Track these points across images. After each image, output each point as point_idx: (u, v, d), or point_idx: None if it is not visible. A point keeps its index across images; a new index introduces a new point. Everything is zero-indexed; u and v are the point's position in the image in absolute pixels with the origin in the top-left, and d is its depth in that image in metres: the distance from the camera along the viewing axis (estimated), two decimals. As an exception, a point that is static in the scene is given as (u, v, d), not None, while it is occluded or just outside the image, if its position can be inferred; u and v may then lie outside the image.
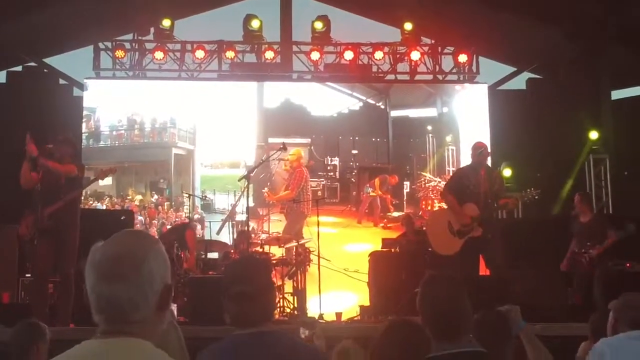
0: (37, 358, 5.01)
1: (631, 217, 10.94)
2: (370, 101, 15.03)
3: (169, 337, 3.46)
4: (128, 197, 14.17)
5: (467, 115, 14.69)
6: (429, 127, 14.85)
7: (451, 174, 13.00)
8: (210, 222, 13.59)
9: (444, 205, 10.30)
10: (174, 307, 9.30)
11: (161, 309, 2.17)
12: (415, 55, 14.65)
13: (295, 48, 15.07)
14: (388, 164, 14.63)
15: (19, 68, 15.16)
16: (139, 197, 14.21)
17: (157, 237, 13.08)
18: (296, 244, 11.33)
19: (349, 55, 14.55)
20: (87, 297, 2.19)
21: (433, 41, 15.15)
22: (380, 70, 15.00)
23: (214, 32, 14.98)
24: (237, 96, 14.53)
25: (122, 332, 2.11)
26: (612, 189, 14.46)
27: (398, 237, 12.28)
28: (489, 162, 10.88)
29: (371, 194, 14.38)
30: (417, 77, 15.14)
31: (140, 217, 13.89)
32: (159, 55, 14.30)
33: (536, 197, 9.46)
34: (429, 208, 14.06)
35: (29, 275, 10.46)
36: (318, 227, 11.11)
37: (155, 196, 14.32)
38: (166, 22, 14.35)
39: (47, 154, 8.50)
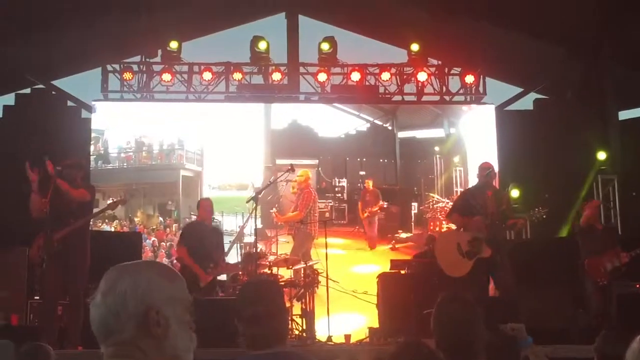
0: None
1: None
2: (378, 122, 15.04)
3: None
4: (136, 219, 14.18)
5: (474, 136, 14.68)
6: (437, 148, 14.84)
7: (460, 193, 12.99)
8: (218, 244, 13.58)
9: (452, 226, 10.29)
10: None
11: (144, 330, 2.15)
12: (422, 76, 14.67)
13: (302, 69, 15.10)
14: (396, 185, 14.62)
15: (27, 90, 15.21)
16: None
17: (166, 259, 13.12)
18: (304, 265, 11.30)
19: (356, 76, 14.58)
20: None
21: (440, 62, 15.16)
22: (387, 91, 15.03)
23: (221, 53, 15.08)
24: (244, 118, 14.56)
25: (120, 356, 2.14)
26: (621, 209, 14.42)
27: (414, 256, 12.29)
28: (496, 182, 10.88)
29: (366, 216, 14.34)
30: (424, 98, 15.15)
31: (148, 241, 13.89)
32: (166, 77, 14.35)
33: (544, 217, 9.46)
34: (437, 229, 14.02)
35: (38, 297, 10.46)
36: (326, 248, 11.10)
37: (160, 218, 14.32)
38: (173, 44, 14.41)
39: (58, 175, 8.53)
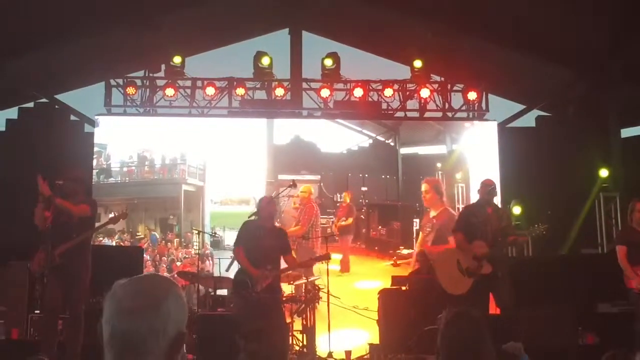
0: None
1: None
2: (380, 138, 15.06)
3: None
4: (138, 234, 14.18)
5: (476, 153, 14.68)
6: (439, 165, 14.84)
7: (460, 211, 12.99)
8: (219, 258, 13.57)
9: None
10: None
11: (171, 356, 2.15)
12: (424, 92, 14.70)
13: (305, 85, 15.13)
14: (398, 201, 14.62)
15: (30, 104, 15.27)
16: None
17: (167, 274, 13.11)
18: (305, 281, 11.29)
19: (358, 92, 14.60)
20: (100, 332, 2.17)
21: (442, 79, 15.19)
22: (389, 108, 15.04)
23: (225, 69, 15.13)
24: (247, 133, 14.57)
25: None
26: (623, 227, 14.40)
27: (411, 273, 12.25)
28: (497, 200, 10.87)
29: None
30: (427, 114, 15.17)
31: (147, 256, 13.89)
32: (169, 92, 14.38)
33: (544, 233, 9.43)
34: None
35: (38, 311, 10.45)
36: (328, 264, 11.08)
37: (155, 234, 14.32)
38: (177, 59, 14.46)
39: (59, 192, 8.53)
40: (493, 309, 9.69)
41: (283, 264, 9.54)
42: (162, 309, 2.12)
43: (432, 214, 10.37)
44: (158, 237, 14.29)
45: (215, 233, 14.13)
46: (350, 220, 14.28)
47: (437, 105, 15.08)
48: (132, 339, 2.08)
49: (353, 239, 14.35)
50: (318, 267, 11.86)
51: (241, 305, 8.93)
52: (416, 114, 15.20)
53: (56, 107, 15.40)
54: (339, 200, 14.46)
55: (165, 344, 2.12)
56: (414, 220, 14.41)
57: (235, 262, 9.84)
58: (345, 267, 13.91)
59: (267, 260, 9.17)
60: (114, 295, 2.16)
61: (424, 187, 10.41)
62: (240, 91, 14.52)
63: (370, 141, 15.04)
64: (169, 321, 2.13)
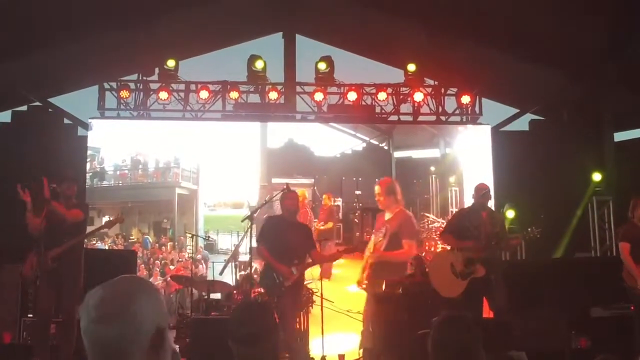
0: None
1: None
2: (374, 142, 15.07)
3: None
4: (131, 237, 14.16)
5: (470, 157, 14.70)
6: (432, 168, 14.87)
7: (454, 214, 12.99)
8: (213, 262, 13.59)
9: (447, 247, 10.30)
10: (176, 347, 9.25)
11: (154, 354, 2.15)
12: (418, 96, 14.71)
13: (299, 88, 15.14)
14: (391, 204, 14.60)
15: (24, 107, 15.23)
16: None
17: (160, 277, 13.09)
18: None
19: (352, 96, 14.62)
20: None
21: (436, 82, 15.22)
22: (383, 111, 15.05)
23: (218, 72, 15.11)
24: (240, 136, 14.57)
25: None
26: (626, 224, 14.42)
27: (405, 277, 12.24)
28: (491, 203, 10.88)
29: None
30: (420, 118, 15.19)
31: (140, 258, 13.86)
32: (163, 95, 14.37)
33: (538, 236, 9.44)
34: (433, 249, 14.01)
35: (31, 315, 10.42)
36: (321, 267, 11.07)
37: (148, 238, 14.29)
38: (171, 63, 14.45)
39: (53, 195, 8.52)
40: (487, 313, 9.70)
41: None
42: (130, 312, 2.11)
43: (387, 216, 10.16)
44: (151, 240, 14.26)
45: (208, 237, 14.13)
46: (330, 224, 14.23)
47: (430, 109, 15.10)
48: (109, 346, 2.09)
49: (347, 243, 14.26)
50: (310, 272, 11.85)
51: (274, 302, 8.86)
52: (410, 118, 15.22)
53: (50, 110, 15.35)
54: (333, 204, 14.46)
55: (145, 344, 2.11)
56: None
57: (229, 265, 9.82)
58: (326, 274, 13.78)
59: (293, 255, 9.09)
60: (86, 305, 2.16)
61: (375, 189, 10.24)
62: (234, 95, 14.52)
63: (364, 145, 15.05)
64: (143, 321, 2.12)
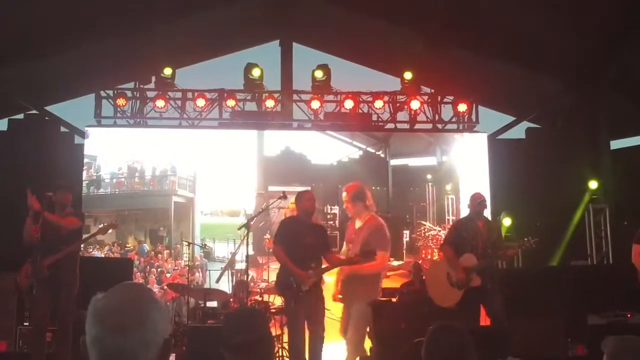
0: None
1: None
2: (370, 150, 15.06)
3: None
4: (127, 246, 14.14)
5: (466, 165, 14.70)
6: (429, 176, 14.87)
7: (451, 222, 12.99)
8: (209, 270, 13.56)
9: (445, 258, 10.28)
10: (172, 357, 9.24)
11: None
12: (415, 104, 14.71)
13: (295, 97, 15.15)
14: (388, 212, 14.59)
15: (20, 116, 15.23)
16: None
17: (156, 285, 13.06)
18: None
19: (349, 104, 14.62)
20: (83, 349, 2.14)
21: (433, 90, 15.22)
22: (380, 119, 15.06)
23: (215, 80, 15.12)
24: (237, 144, 14.56)
25: None
26: (612, 239, 14.45)
27: (402, 285, 12.24)
28: (488, 211, 10.88)
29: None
30: (417, 126, 15.20)
31: (137, 264, 13.84)
32: (160, 103, 14.37)
33: (534, 246, 9.44)
34: (429, 257, 14.00)
35: (27, 324, 10.40)
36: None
37: (145, 245, 14.27)
38: (167, 71, 14.45)
39: (48, 204, 8.51)
40: (484, 320, 9.70)
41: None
42: (150, 321, 2.10)
43: (357, 224, 9.90)
44: (148, 248, 14.25)
45: (205, 245, 14.11)
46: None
47: (427, 117, 15.10)
48: (124, 355, 2.06)
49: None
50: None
51: (290, 306, 8.83)
52: (406, 126, 15.22)
53: (46, 118, 15.36)
54: (329, 212, 14.44)
55: (154, 354, 2.11)
56: (404, 231, 14.42)
57: (226, 273, 9.78)
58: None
59: (310, 259, 8.82)
60: (96, 313, 2.11)
61: (343, 196, 9.95)
62: (230, 103, 14.53)
63: (361, 153, 15.05)
64: (157, 331, 2.11)
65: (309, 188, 14.10)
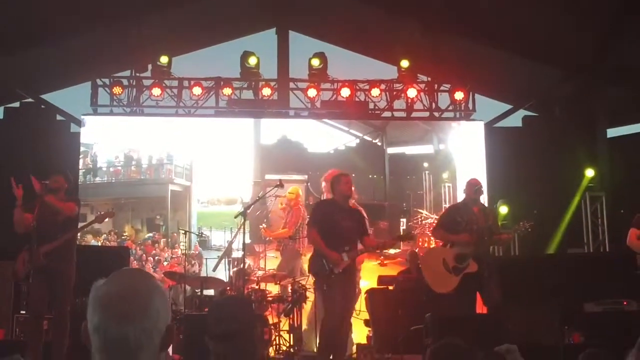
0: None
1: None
2: (367, 138, 15.05)
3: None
4: (124, 234, 14.13)
5: (463, 153, 14.70)
6: (426, 164, 14.86)
7: (446, 209, 12.99)
8: (206, 258, 13.55)
9: (439, 243, 10.29)
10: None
11: (162, 350, 2.14)
12: (411, 92, 14.70)
13: (292, 85, 15.11)
14: (385, 201, 14.61)
15: (16, 104, 15.20)
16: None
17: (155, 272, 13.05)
18: (292, 281, 11.29)
19: (345, 92, 14.60)
20: (84, 335, 2.12)
21: (429, 78, 15.20)
22: (376, 107, 15.04)
23: (212, 68, 15.09)
24: (234, 133, 14.54)
25: None
26: (609, 226, 14.46)
27: (399, 273, 12.26)
28: (484, 199, 10.88)
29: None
30: (414, 114, 15.18)
31: (134, 253, 13.83)
32: (156, 91, 14.33)
33: (529, 230, 9.45)
34: (426, 245, 14.01)
35: (24, 312, 10.40)
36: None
37: (149, 234, 14.26)
38: (164, 59, 14.41)
39: (45, 191, 8.50)
40: (480, 308, 9.71)
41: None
42: (153, 308, 2.09)
43: None
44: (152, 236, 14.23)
45: (202, 233, 14.09)
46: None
47: (424, 105, 15.09)
48: (128, 343, 2.04)
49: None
50: (305, 268, 11.84)
51: (323, 289, 8.68)
52: (403, 114, 15.21)
53: (42, 106, 15.32)
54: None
55: (157, 342, 2.10)
56: (401, 220, 14.42)
57: (222, 262, 9.78)
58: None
59: (344, 242, 8.68)
60: (98, 299, 2.09)
61: (322, 185, 9.83)
62: (227, 91, 14.49)
63: (357, 141, 15.03)
64: (159, 318, 2.10)
65: (306, 176, 14.17)
